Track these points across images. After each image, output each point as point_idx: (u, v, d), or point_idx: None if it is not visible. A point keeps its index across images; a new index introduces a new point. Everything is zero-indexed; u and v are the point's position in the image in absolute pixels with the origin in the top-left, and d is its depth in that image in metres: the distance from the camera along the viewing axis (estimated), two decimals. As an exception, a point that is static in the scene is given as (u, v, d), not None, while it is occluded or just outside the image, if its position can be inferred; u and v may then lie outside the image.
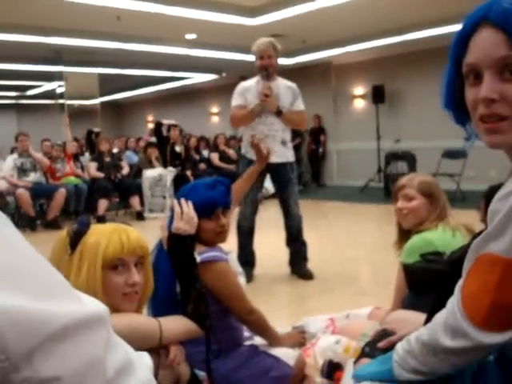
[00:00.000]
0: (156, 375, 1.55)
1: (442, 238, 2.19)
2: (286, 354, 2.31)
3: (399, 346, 1.20)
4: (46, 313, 0.54)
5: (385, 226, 6.85)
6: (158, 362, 1.57)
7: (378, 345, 1.54)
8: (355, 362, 1.57)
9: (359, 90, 11.80)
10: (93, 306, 0.60)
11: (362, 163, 11.37)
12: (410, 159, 9.25)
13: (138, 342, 1.47)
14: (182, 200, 1.89)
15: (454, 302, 1.04)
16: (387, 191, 9.41)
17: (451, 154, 9.03)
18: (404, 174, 7.92)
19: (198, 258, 2.08)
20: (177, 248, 1.77)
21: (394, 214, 2.43)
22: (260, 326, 2.31)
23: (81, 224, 1.59)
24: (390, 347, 1.41)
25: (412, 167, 9.16)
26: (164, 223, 1.81)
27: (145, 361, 0.71)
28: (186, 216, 1.81)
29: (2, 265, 0.54)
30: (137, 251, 1.58)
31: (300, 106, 4.37)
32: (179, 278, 1.77)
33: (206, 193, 2.17)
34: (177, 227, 1.79)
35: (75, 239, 1.54)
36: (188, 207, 1.88)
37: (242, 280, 2.31)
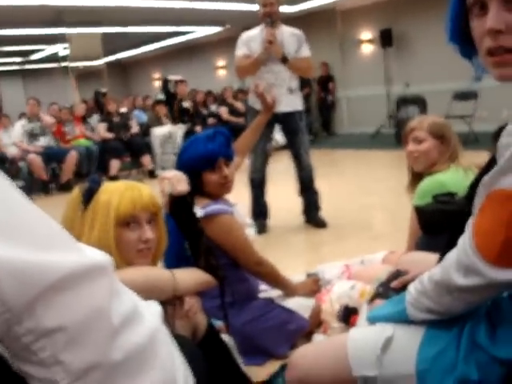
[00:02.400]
0: (173, 325, 1.57)
1: (454, 178, 2.18)
2: (302, 305, 2.33)
3: (412, 287, 1.20)
4: (45, 263, 0.54)
5: (397, 171, 6.81)
6: (174, 313, 1.60)
7: (391, 285, 1.55)
8: (369, 303, 1.59)
9: (366, 34, 11.56)
10: (94, 256, 0.60)
11: (372, 109, 11.23)
12: (420, 103, 9.11)
13: (152, 292, 1.50)
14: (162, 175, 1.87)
15: (465, 240, 1.03)
16: (398, 137, 9.29)
17: (462, 96, 8.89)
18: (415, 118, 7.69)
19: (201, 213, 2.09)
20: (178, 209, 1.78)
21: (406, 157, 2.41)
22: (270, 277, 2.33)
23: (92, 182, 1.60)
24: (403, 287, 1.43)
25: (423, 111, 9.03)
26: (163, 188, 1.81)
27: (153, 309, 0.71)
28: (174, 178, 1.81)
29: (4, 221, 0.54)
30: (149, 208, 1.60)
31: (306, 52, 4.29)
32: (186, 236, 1.78)
33: (206, 145, 2.17)
34: (173, 191, 1.79)
35: (87, 197, 1.56)
36: (170, 172, 1.88)
37: (250, 231, 2.32)
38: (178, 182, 1.80)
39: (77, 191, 1.61)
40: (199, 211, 2.08)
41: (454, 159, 2.28)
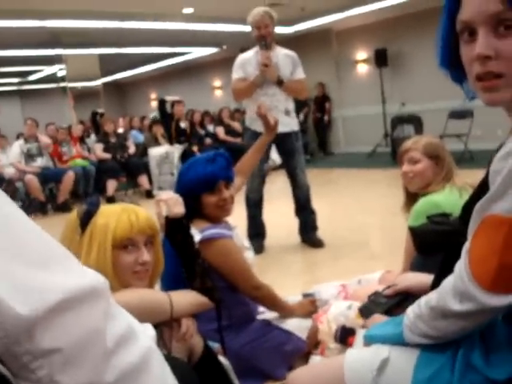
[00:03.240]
0: (169, 347, 1.58)
1: (448, 199, 2.19)
2: (299, 326, 2.32)
3: (410, 311, 1.21)
4: (43, 286, 0.55)
5: (394, 190, 6.81)
6: (171, 335, 1.60)
7: (383, 292, 1.57)
8: (362, 311, 1.60)
9: (361, 54, 11.67)
10: (92, 277, 0.62)
11: (368, 129, 11.30)
12: (416, 122, 9.18)
13: (149, 315, 1.50)
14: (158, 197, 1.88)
15: (461, 266, 1.04)
16: (394, 155, 9.36)
17: (458, 114, 8.95)
18: (411, 138, 7.81)
19: (199, 236, 2.08)
20: (174, 231, 1.79)
21: (401, 177, 2.42)
22: (268, 300, 2.31)
23: (90, 205, 1.61)
24: (395, 295, 1.46)
25: (419, 130, 9.09)
26: (159, 210, 1.82)
27: (148, 331, 0.72)
28: (170, 201, 1.82)
29: (5, 244, 0.55)
30: (146, 230, 1.61)
31: (300, 74, 4.34)
32: (182, 258, 1.79)
33: (205, 167, 2.17)
34: (169, 214, 1.80)
35: (85, 220, 1.57)
36: (167, 194, 1.90)
37: (249, 254, 2.31)
38: (174, 204, 1.81)
39: (74, 214, 1.62)
40: (198, 234, 2.08)
41: (449, 179, 2.29)
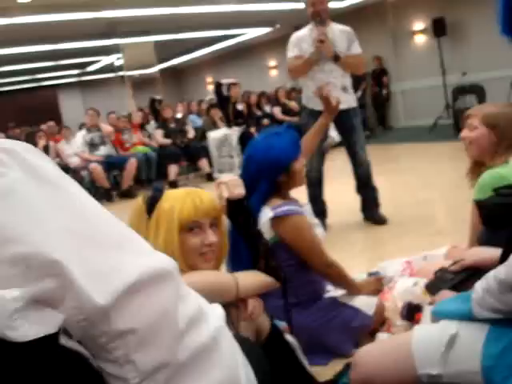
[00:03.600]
0: (237, 327, 1.61)
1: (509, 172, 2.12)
2: (366, 303, 2.32)
3: (478, 285, 1.19)
4: (117, 268, 0.58)
5: (457, 163, 6.64)
6: (238, 315, 1.63)
7: (450, 268, 1.55)
8: (429, 287, 1.58)
9: (418, 25, 11.33)
10: (162, 259, 0.64)
11: (428, 101, 10.99)
12: (478, 92, 8.86)
13: (215, 296, 1.53)
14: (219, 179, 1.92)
15: None
16: (457, 127, 9.10)
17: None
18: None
19: (272, 213, 2.12)
20: (235, 212, 1.81)
21: None
22: (338, 278, 2.33)
23: (155, 190, 1.66)
24: (462, 271, 1.43)
25: (481, 100, 8.78)
26: (220, 192, 1.85)
27: (217, 311, 0.74)
28: (231, 182, 1.84)
29: (73, 223, 0.57)
30: (210, 212, 1.64)
31: (356, 49, 4.26)
32: (245, 239, 1.81)
33: (287, 149, 2.24)
34: (230, 196, 1.82)
35: (151, 206, 1.62)
36: (227, 176, 1.92)
37: (319, 231, 2.33)
38: (235, 186, 1.84)
39: (140, 200, 1.67)
40: (270, 212, 2.12)
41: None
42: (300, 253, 2.20)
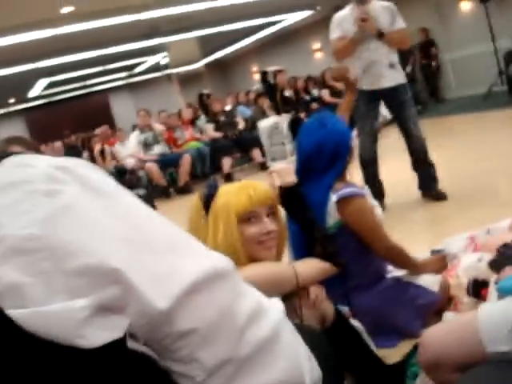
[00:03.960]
0: (301, 316, 1.62)
1: None
2: (430, 281, 2.29)
3: None
4: (175, 271, 0.59)
5: (516, 130, 6.46)
6: (301, 304, 1.64)
7: (510, 244, 1.51)
8: (492, 264, 1.54)
9: (464, -9, 10.98)
10: (218, 258, 0.65)
11: (480, 69, 10.63)
12: (533, 53, 8.53)
13: (276, 287, 1.56)
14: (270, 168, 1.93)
15: None
16: (512, 94, 8.79)
17: None
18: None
19: (336, 196, 2.13)
20: (289, 200, 1.82)
21: None
22: (400, 261, 2.31)
23: (209, 187, 1.69)
24: None
25: (536, 62, 8.45)
26: (272, 181, 1.87)
27: (277, 305, 0.75)
28: (283, 171, 1.85)
29: (127, 230, 0.59)
30: (265, 201, 1.66)
31: (400, 23, 4.17)
32: (301, 226, 1.82)
33: (347, 133, 2.30)
34: (282, 184, 1.83)
35: (207, 202, 1.65)
36: (278, 164, 1.95)
37: (378, 211, 2.31)
38: (286, 173, 1.85)
39: (197, 198, 1.71)
40: (334, 196, 2.13)
41: None
42: (362, 235, 2.19)
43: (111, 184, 0.64)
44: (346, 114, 2.84)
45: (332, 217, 2.14)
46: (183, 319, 0.59)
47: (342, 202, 2.13)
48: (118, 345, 0.56)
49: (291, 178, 1.84)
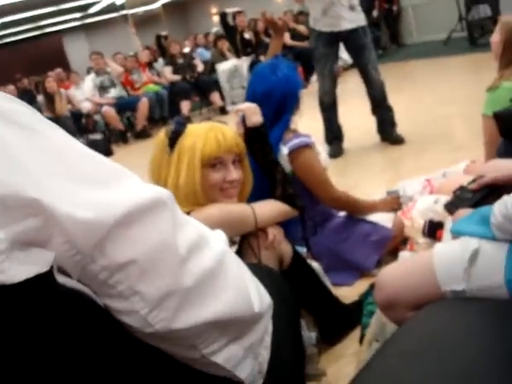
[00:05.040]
0: (259, 256, 1.63)
1: None
2: (383, 218, 2.35)
3: (496, 209, 1.16)
4: (106, 202, 0.57)
5: (474, 76, 6.51)
6: (259, 244, 1.64)
7: (469, 186, 1.53)
8: (448, 206, 1.57)
9: None
10: (153, 189, 0.63)
11: (440, 14, 10.60)
12: (491, 1, 8.53)
13: (234, 227, 1.55)
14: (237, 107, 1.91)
15: None
16: (472, 40, 8.83)
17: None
18: (488, 18, 7.34)
19: (286, 148, 2.12)
20: (253, 140, 1.80)
21: None
22: (348, 209, 2.35)
23: (177, 124, 1.65)
24: (480, 189, 1.41)
25: (495, 8, 8.45)
26: (238, 120, 1.84)
27: (219, 236, 0.74)
28: (249, 110, 1.82)
29: (57, 163, 0.57)
30: (233, 149, 1.64)
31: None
32: (262, 167, 1.81)
33: (298, 81, 2.26)
34: (249, 123, 1.81)
35: (173, 139, 1.62)
36: (245, 104, 1.91)
37: (323, 157, 2.32)
38: (252, 113, 1.82)
39: (163, 134, 1.67)
40: (285, 148, 2.12)
41: None
42: (309, 186, 2.21)
43: (36, 118, 0.60)
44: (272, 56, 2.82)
45: (285, 167, 2.13)
46: (118, 250, 0.58)
47: (292, 153, 2.13)
48: (44, 280, 0.54)
49: (257, 118, 1.82)
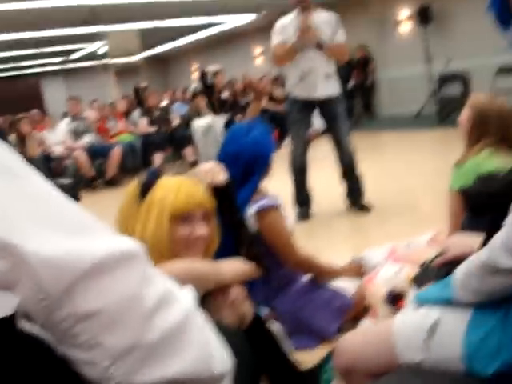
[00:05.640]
0: (219, 315, 1.60)
1: (493, 161, 2.16)
2: (346, 285, 2.35)
3: (459, 269, 1.19)
4: (80, 249, 0.57)
5: (441, 151, 6.72)
6: (220, 303, 1.62)
7: (434, 262, 1.55)
8: (413, 283, 1.59)
9: (404, 12, 11.31)
10: (126, 242, 0.63)
11: (413, 89, 11.01)
12: (462, 80, 8.92)
13: (198, 283, 1.53)
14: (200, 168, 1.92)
15: (510, 222, 1.02)
16: (442, 115, 9.16)
17: (507, 70, 8.62)
18: (458, 96, 7.62)
19: (253, 208, 2.13)
20: (221, 198, 1.80)
21: None
22: (313, 273, 2.35)
23: (151, 175, 1.64)
24: (444, 265, 1.43)
25: (466, 88, 8.84)
26: (203, 180, 1.85)
27: (188, 293, 0.74)
28: (211, 171, 1.84)
29: (32, 208, 0.56)
30: (203, 205, 1.63)
31: (341, 36, 4.25)
32: (229, 225, 1.81)
33: (270, 146, 2.28)
34: (213, 182, 1.81)
35: (145, 190, 1.60)
36: (208, 164, 1.93)
37: (290, 222, 2.34)
38: (218, 172, 1.83)
39: (135, 183, 1.66)
40: (252, 207, 2.13)
41: (495, 143, 2.25)
42: (274, 248, 2.21)
43: (16, 161, 0.60)
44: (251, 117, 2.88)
45: (251, 227, 2.14)
46: (86, 299, 0.57)
47: (259, 213, 2.14)
48: (5, 324, 0.53)
49: (221, 178, 1.82)
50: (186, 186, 1.62)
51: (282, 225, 2.21)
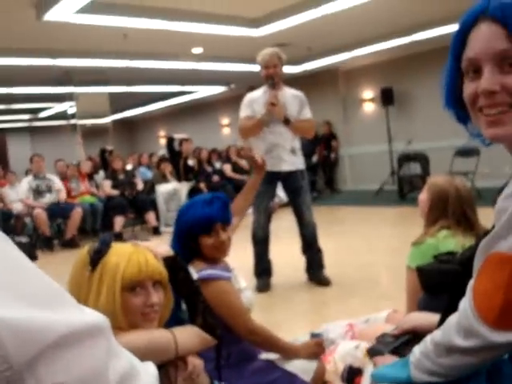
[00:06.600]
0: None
1: (450, 240, 2.22)
2: (304, 368, 2.25)
3: (416, 349, 1.20)
4: (46, 322, 0.56)
5: (401, 228, 6.85)
6: (177, 374, 1.59)
7: (390, 333, 1.57)
8: (370, 351, 1.59)
9: (368, 93, 11.80)
10: (92, 315, 0.63)
11: (374, 167, 11.35)
12: (422, 160, 9.23)
13: (154, 354, 1.49)
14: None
15: (465, 303, 1.04)
16: (401, 194, 9.40)
17: (464, 153, 8.98)
18: (417, 176, 7.87)
19: (196, 276, 2.08)
20: (171, 271, 1.78)
21: None
22: (266, 345, 2.24)
23: (102, 243, 1.60)
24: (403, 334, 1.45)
25: (425, 168, 9.13)
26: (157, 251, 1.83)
27: (150, 369, 0.73)
28: (151, 246, 1.82)
29: (1, 276, 0.56)
30: (155, 275, 1.60)
31: (307, 114, 4.39)
32: (184, 295, 1.78)
33: (203, 209, 2.18)
34: (161, 253, 1.79)
35: (95, 258, 1.56)
36: (143, 242, 1.90)
37: (247, 294, 2.29)
38: (157, 246, 1.80)
39: (85, 250, 1.61)
40: (195, 275, 2.08)
41: (452, 223, 2.31)
42: (222, 317, 2.15)
43: None
44: (249, 195, 2.84)
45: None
46: (49, 372, 0.56)
47: (202, 283, 2.09)
48: None
49: (163, 249, 1.80)
50: (138, 254, 1.59)
51: (228, 295, 2.15)
